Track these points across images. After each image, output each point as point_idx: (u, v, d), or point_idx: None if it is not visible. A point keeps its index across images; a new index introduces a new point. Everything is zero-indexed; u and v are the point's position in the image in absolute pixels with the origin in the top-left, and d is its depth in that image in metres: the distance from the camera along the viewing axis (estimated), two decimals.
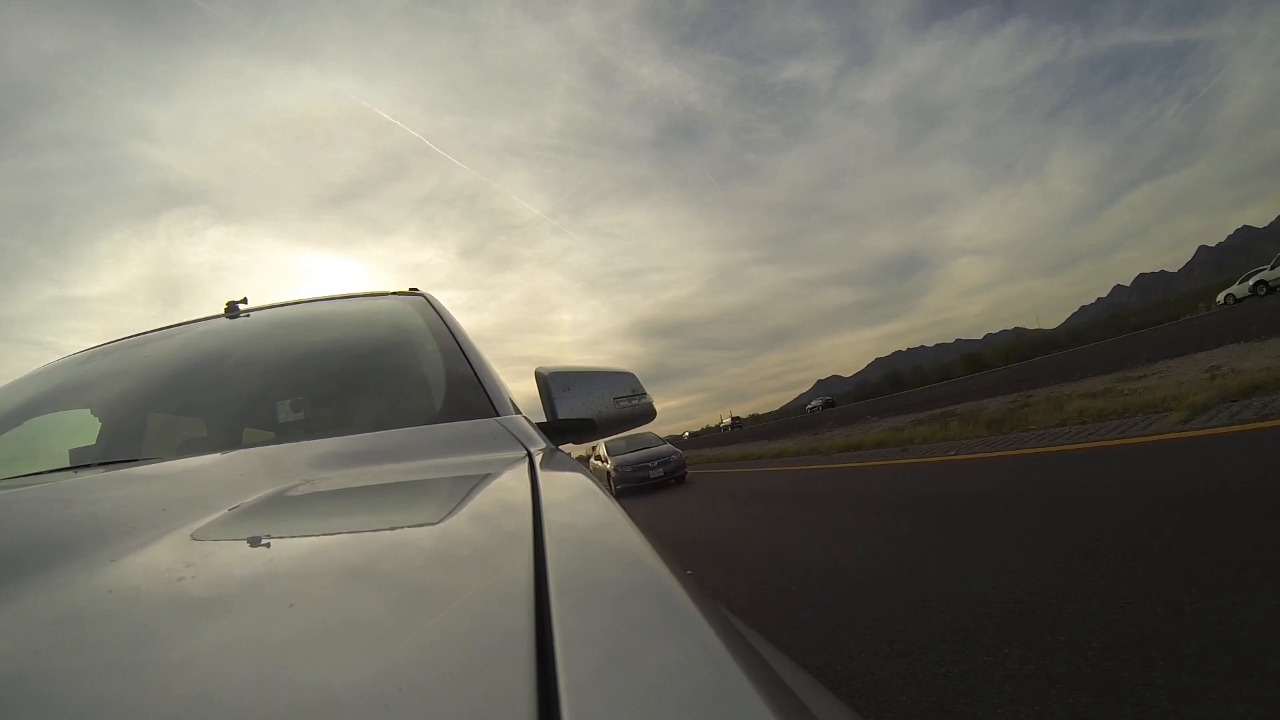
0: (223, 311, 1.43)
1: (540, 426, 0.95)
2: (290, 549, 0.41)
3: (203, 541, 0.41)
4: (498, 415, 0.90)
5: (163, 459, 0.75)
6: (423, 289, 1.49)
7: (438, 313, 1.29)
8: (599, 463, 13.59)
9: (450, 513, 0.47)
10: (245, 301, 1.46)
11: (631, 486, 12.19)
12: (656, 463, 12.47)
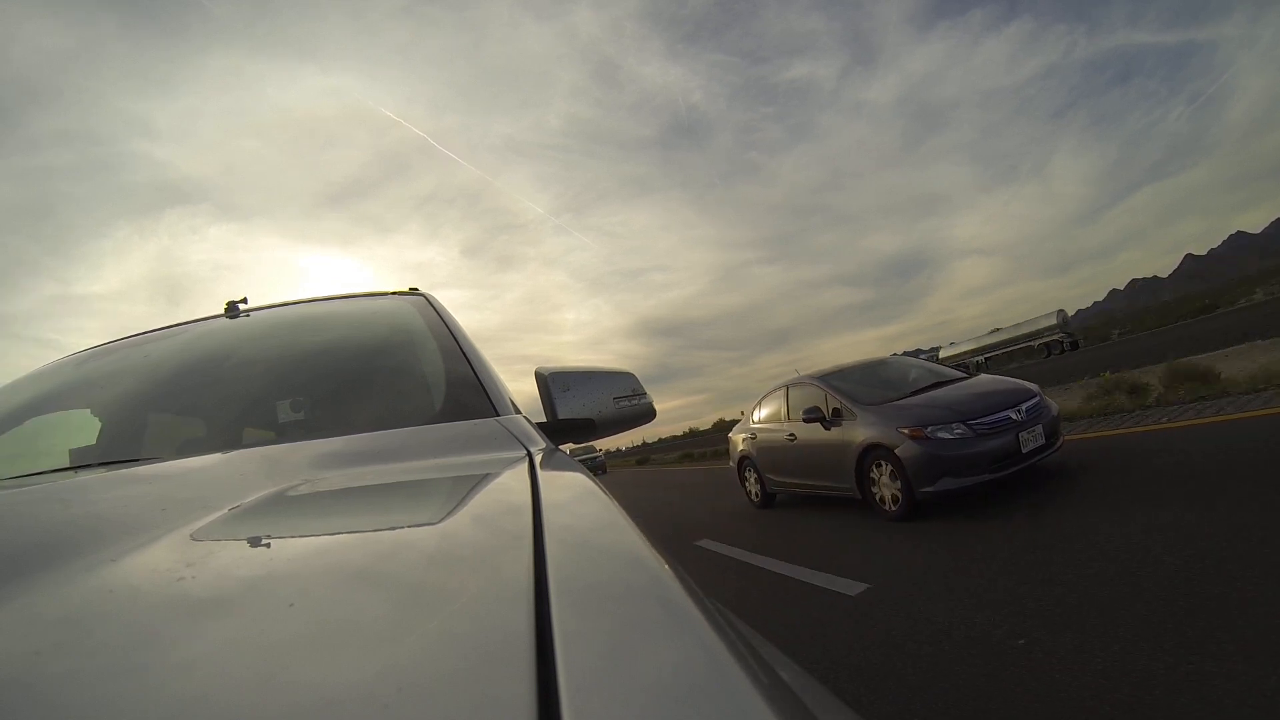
0: (223, 311, 1.43)
1: (540, 426, 0.95)
2: (290, 549, 0.41)
3: (203, 541, 0.41)
4: (498, 415, 0.90)
5: (163, 459, 0.75)
6: (423, 288, 1.49)
7: (438, 313, 1.29)
8: (810, 429, 5.37)
9: (450, 513, 0.47)
10: (245, 301, 1.46)
11: (973, 481, 4.22)
12: (1027, 410, 4.51)
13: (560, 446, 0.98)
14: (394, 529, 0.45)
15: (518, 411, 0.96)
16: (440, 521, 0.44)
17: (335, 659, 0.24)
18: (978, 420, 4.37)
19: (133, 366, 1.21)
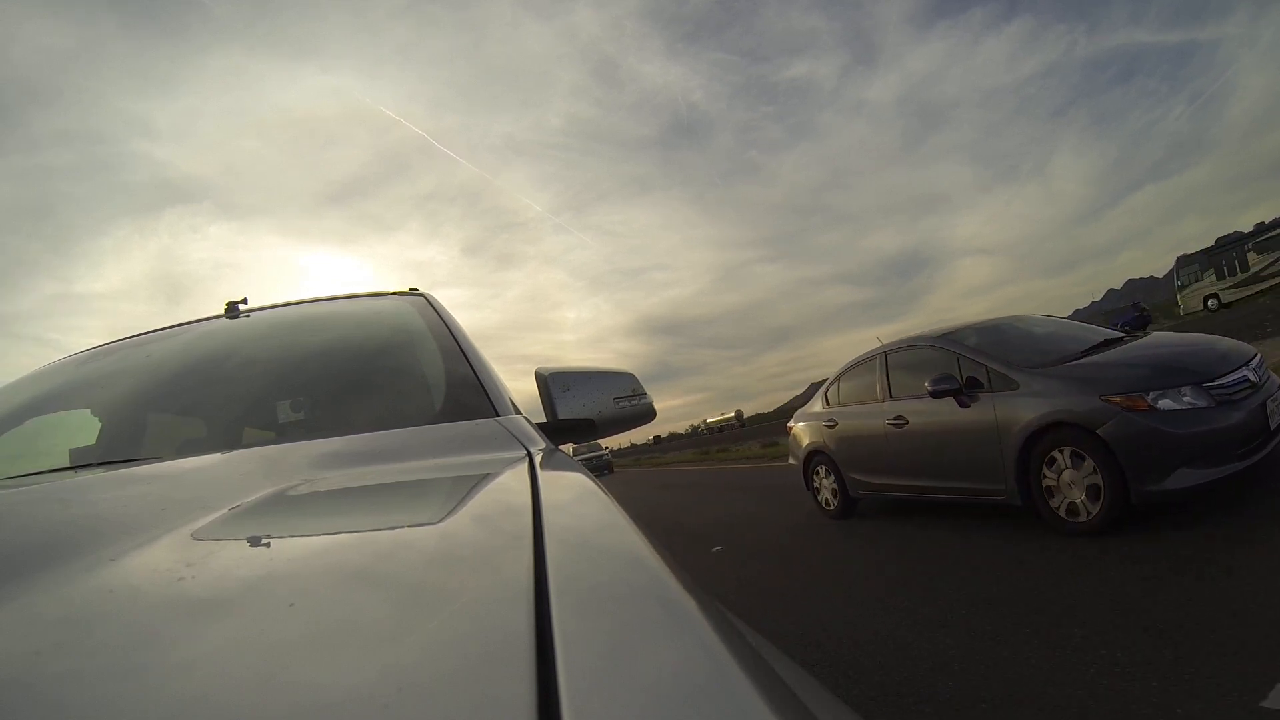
0: (223, 312, 1.43)
1: (540, 426, 0.94)
2: (290, 549, 0.41)
3: (203, 541, 0.41)
4: (498, 415, 0.90)
5: (163, 459, 0.75)
6: (424, 287, 1.49)
7: (437, 313, 1.29)
8: (936, 408, 3.72)
9: (450, 513, 0.47)
10: (245, 301, 1.46)
11: (1219, 474, 2.66)
12: (1257, 369, 3.00)
13: (560, 446, 0.98)
14: (394, 529, 0.45)
15: (518, 411, 0.96)
16: (440, 522, 0.44)
17: (335, 659, 0.24)
18: (1213, 382, 2.82)
19: (133, 366, 1.21)
